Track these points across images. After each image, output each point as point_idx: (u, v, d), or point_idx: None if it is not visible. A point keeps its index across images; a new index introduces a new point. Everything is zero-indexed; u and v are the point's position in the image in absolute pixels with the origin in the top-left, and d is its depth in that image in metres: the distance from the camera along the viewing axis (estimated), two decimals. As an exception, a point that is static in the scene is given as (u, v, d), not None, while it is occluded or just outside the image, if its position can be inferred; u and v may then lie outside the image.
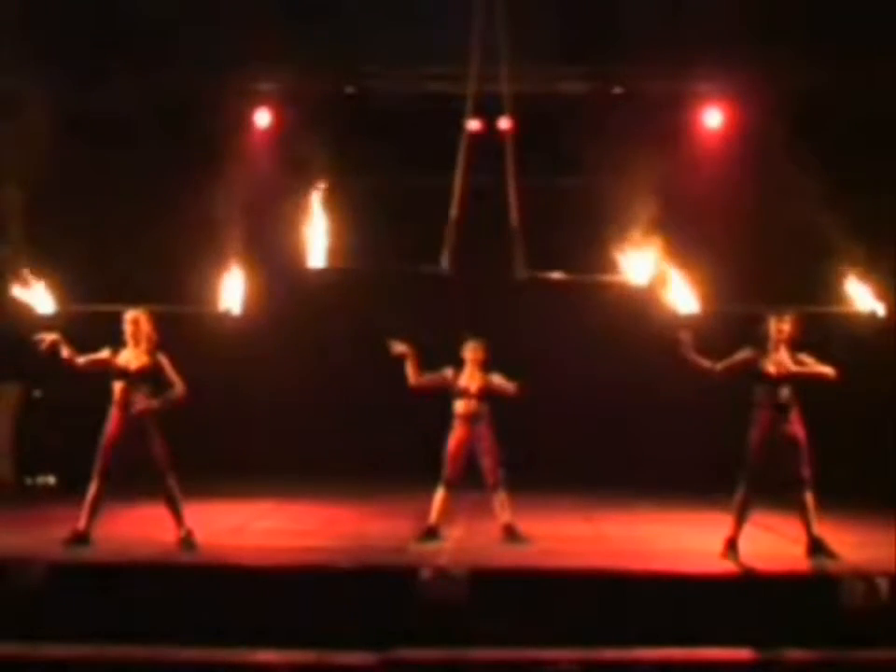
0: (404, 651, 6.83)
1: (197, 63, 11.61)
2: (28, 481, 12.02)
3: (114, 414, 8.26)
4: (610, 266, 8.59)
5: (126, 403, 8.23)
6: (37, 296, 8.26)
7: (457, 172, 8.96)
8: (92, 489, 8.21)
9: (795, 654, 6.86)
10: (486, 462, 8.64)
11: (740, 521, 8.11)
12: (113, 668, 6.75)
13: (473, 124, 9.94)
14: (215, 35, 11.05)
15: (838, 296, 8.23)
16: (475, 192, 9.29)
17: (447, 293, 10.76)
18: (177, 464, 8.29)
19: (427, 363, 8.74)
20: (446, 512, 8.70)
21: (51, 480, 12.04)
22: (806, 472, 8.04)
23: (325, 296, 11.87)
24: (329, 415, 12.74)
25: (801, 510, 8.06)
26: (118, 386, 8.26)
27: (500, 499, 8.66)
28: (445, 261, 8.79)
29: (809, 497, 8.03)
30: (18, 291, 8.24)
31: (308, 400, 12.70)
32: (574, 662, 6.65)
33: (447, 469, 8.67)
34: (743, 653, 6.86)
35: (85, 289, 8.72)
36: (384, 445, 12.47)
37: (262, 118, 12.63)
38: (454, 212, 8.85)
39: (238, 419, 12.61)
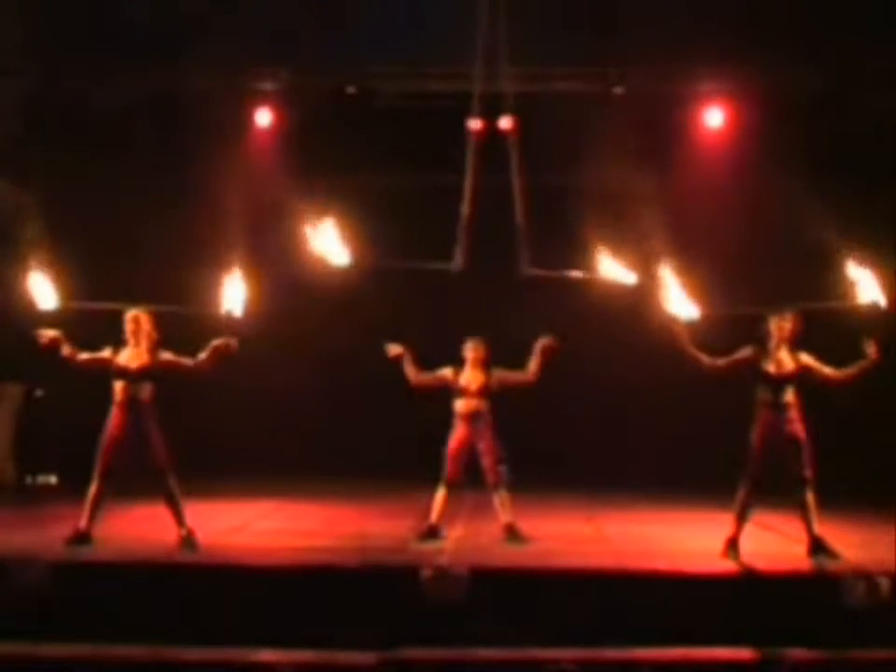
0: (404, 650, 6.84)
1: (197, 62, 11.61)
2: (29, 480, 12.02)
3: (115, 414, 8.24)
4: (599, 266, 8.59)
5: (127, 402, 8.23)
6: (41, 291, 8.26)
7: (468, 170, 8.94)
8: (93, 489, 8.21)
9: (795, 654, 6.86)
10: (487, 461, 8.63)
11: (741, 520, 8.10)
12: (113, 668, 6.75)
13: (474, 123, 9.94)
14: (215, 34, 11.05)
15: (839, 292, 8.20)
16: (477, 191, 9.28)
17: (451, 291, 10.76)
18: (177, 464, 8.29)
19: (431, 361, 8.75)
20: (446, 512, 8.70)
21: (52, 479, 12.05)
22: (808, 472, 8.02)
23: (326, 295, 11.90)
24: (329, 415, 12.74)
25: (802, 509, 8.04)
26: (118, 386, 8.26)
27: (501, 498, 8.65)
28: (458, 259, 8.78)
29: (811, 497, 8.01)
30: (32, 278, 8.22)
31: (308, 400, 12.70)
32: (574, 662, 6.65)
33: (447, 469, 8.66)
34: (743, 653, 6.86)
35: (85, 287, 8.72)
36: (384, 445, 12.46)
37: (262, 118, 12.63)
38: (465, 209, 8.84)
39: (238, 419, 12.61)
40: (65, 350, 8.20)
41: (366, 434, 12.69)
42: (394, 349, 8.65)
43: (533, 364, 8.64)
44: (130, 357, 8.27)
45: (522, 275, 8.87)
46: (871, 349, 7.93)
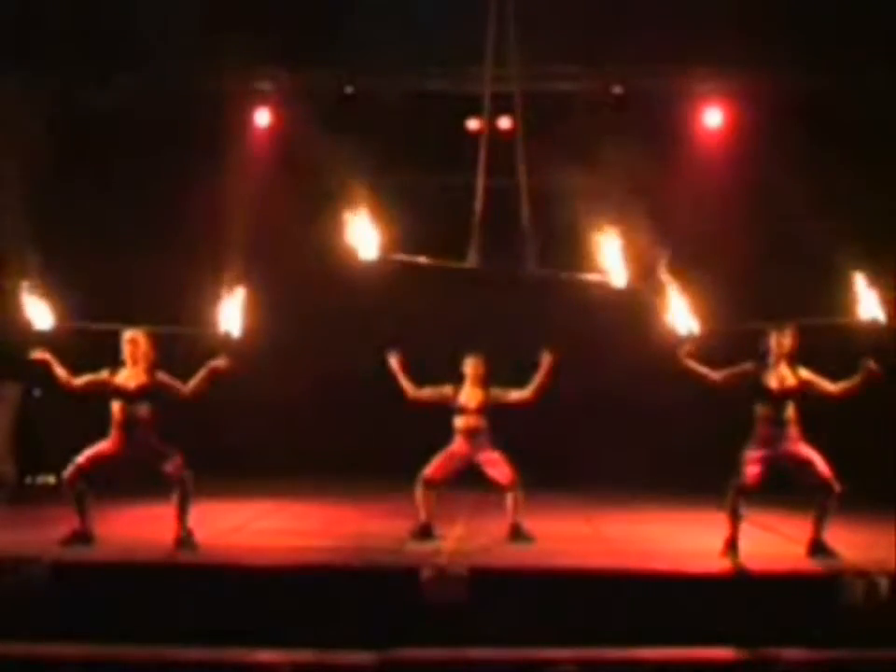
0: (404, 650, 6.84)
1: (197, 63, 11.62)
2: (28, 480, 12.02)
3: (113, 434, 8.25)
4: (596, 266, 8.58)
5: (125, 423, 8.22)
6: (36, 310, 8.24)
7: (479, 169, 8.95)
8: (70, 492, 8.17)
9: (795, 654, 6.86)
10: (498, 471, 8.61)
11: (735, 521, 8.05)
12: (113, 668, 6.75)
13: (473, 123, 9.98)
14: (215, 35, 11.05)
15: (839, 304, 8.17)
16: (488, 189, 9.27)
17: (458, 291, 10.77)
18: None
19: (435, 362, 8.76)
20: (433, 509, 8.65)
21: (51, 480, 12.04)
22: (828, 474, 7.89)
23: (328, 297, 11.91)
24: (329, 415, 12.74)
25: (818, 511, 7.95)
26: (116, 406, 8.25)
27: (517, 499, 8.60)
28: (472, 256, 8.78)
29: (832, 503, 7.91)
30: (25, 298, 8.21)
31: (308, 400, 12.70)
32: (574, 662, 6.65)
33: (430, 468, 8.62)
34: (742, 653, 6.86)
35: (84, 303, 8.72)
36: (384, 445, 12.45)
37: (262, 118, 12.63)
38: (478, 207, 8.84)
39: (238, 419, 12.61)
40: (61, 376, 8.23)
41: (366, 434, 12.68)
42: (394, 357, 8.66)
43: (535, 382, 8.66)
44: (128, 377, 8.26)
45: (529, 275, 8.87)
46: (871, 365, 7.89)
